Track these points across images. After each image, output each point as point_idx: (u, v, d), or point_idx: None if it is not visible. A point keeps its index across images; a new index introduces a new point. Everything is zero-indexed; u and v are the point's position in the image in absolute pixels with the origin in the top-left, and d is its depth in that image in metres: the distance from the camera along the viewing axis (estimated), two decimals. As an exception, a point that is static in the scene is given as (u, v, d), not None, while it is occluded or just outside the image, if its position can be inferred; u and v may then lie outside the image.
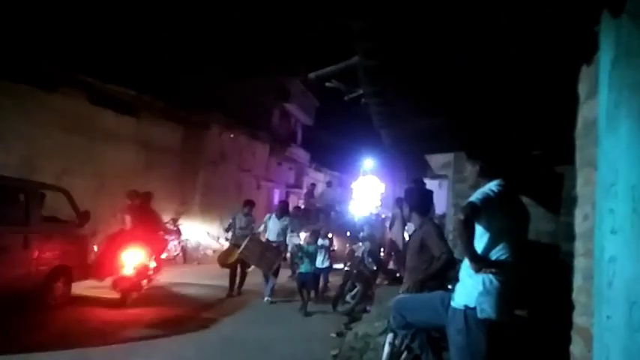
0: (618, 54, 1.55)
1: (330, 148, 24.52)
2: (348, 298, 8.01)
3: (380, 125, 4.31)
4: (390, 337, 4.50)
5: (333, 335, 6.56)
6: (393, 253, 9.20)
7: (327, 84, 3.71)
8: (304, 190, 19.95)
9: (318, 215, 13.21)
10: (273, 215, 9.26)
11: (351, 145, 22.39)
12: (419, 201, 4.77)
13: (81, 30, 11.27)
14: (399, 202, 9.36)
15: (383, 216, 15.89)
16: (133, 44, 12.94)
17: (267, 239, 8.97)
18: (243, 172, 17.51)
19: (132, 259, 7.45)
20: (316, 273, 8.36)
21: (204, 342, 5.88)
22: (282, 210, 9.42)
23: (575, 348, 2.08)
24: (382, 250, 9.58)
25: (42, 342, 5.18)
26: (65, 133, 10.78)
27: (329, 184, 20.43)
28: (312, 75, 3.56)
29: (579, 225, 2.15)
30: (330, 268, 9.06)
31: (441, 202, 9.61)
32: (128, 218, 8.03)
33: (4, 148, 9.65)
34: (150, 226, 8.30)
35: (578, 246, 2.12)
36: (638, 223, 1.35)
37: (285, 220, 9.14)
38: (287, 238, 9.15)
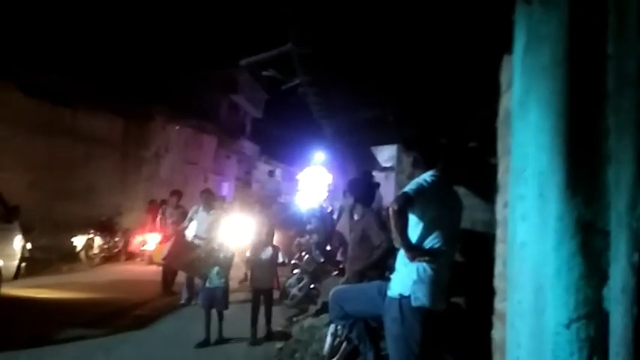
0: (529, 40, 1.57)
1: (281, 141, 24.36)
2: (295, 290, 7.97)
3: (319, 115, 4.28)
4: (332, 328, 4.52)
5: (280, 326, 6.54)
6: (340, 245, 9.25)
7: (263, 73, 3.63)
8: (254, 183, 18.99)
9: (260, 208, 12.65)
10: (201, 207, 7.80)
11: (302, 137, 22.25)
12: (362, 192, 4.80)
13: (14, 18, 10.54)
14: (346, 193, 9.40)
15: (330, 208, 15.65)
16: (71, 32, 12.26)
17: (195, 235, 7.54)
18: (189, 165, 17.07)
19: None
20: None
21: (141, 340, 5.71)
22: (208, 200, 7.88)
23: (496, 333, 2.13)
24: (329, 242, 9.58)
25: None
26: (-5, 125, 10.11)
27: (271, 173, 19.37)
28: (243, 62, 3.46)
29: (499, 212, 2.19)
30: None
31: (388, 194, 9.75)
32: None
33: None
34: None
35: (499, 233, 2.17)
36: (544, 208, 1.36)
37: (214, 214, 7.74)
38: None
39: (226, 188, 19.57)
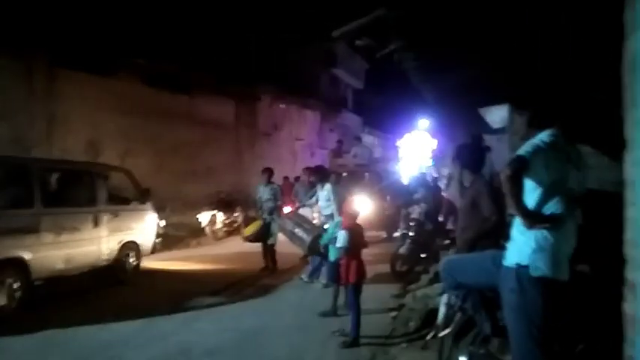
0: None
1: (383, 110, 23.99)
2: (404, 260, 7.92)
3: (419, 80, 4.12)
4: (445, 297, 4.42)
5: (393, 296, 6.57)
6: (450, 214, 8.96)
7: (357, 42, 3.56)
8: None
9: (351, 177, 11.68)
10: (318, 185, 7.69)
11: (404, 105, 21.57)
12: (470, 158, 4.58)
13: (127, 15, 11.54)
14: (454, 160, 9.01)
15: (435, 175, 14.89)
16: (179, 23, 13.12)
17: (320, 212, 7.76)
18: (296, 141, 17.63)
19: None
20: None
21: (265, 307, 6.14)
22: (323, 175, 7.79)
23: (628, 305, 1.91)
24: (439, 211, 9.31)
25: (115, 312, 5.59)
26: (124, 115, 11.31)
27: (358, 139, 16.35)
28: (336, 32, 3.42)
29: (628, 171, 1.94)
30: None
31: (500, 158, 9.18)
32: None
33: (71, 133, 10.30)
34: None
35: (628, 194, 1.92)
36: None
37: (327, 189, 7.48)
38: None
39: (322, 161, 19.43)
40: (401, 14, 2.76)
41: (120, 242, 7.21)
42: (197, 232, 12.05)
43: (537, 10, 2.68)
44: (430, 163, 19.82)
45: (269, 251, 8.29)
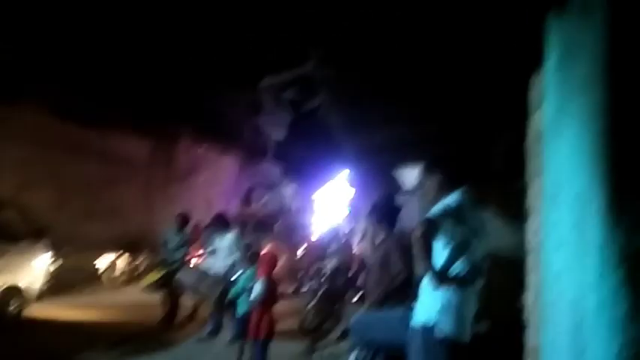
0: (564, 51, 1.46)
1: (304, 162, 24.33)
2: (314, 315, 7.78)
3: (341, 137, 4.22)
4: (353, 355, 4.36)
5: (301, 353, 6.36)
6: (361, 270, 9.05)
7: (284, 95, 3.60)
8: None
9: (259, 227, 11.19)
10: (218, 232, 7.47)
11: (325, 158, 22.09)
12: (383, 216, 4.73)
13: (45, 42, 10.91)
14: (369, 216, 9.25)
15: (348, 229, 15.02)
16: (100, 55, 12.61)
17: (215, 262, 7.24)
18: (213, 187, 17.20)
19: None
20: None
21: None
22: (225, 223, 7.53)
23: (528, 370, 1.97)
24: (350, 266, 9.39)
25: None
26: (23, 146, 10.39)
27: (271, 186, 15.60)
28: (263, 83, 3.44)
29: (531, 238, 2.05)
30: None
31: (411, 217, 9.56)
32: None
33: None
34: None
35: (530, 261, 2.02)
36: (583, 236, 1.23)
37: (232, 236, 7.26)
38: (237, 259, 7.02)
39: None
40: (326, 73, 2.83)
41: (1, 287, 6.39)
42: (95, 276, 11.06)
43: (453, 83, 2.88)
44: (345, 216, 20.05)
45: (171, 303, 7.57)
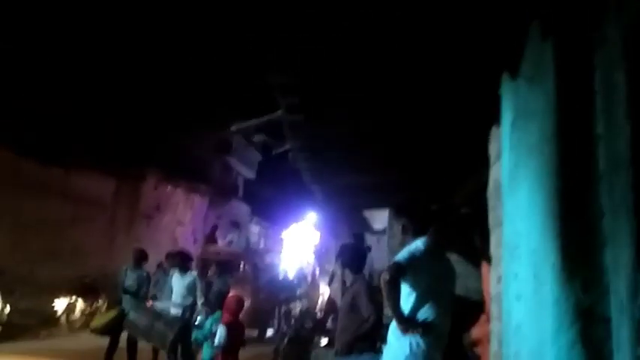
0: (517, 115, 1.56)
1: (273, 202, 24.25)
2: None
3: (310, 180, 4.27)
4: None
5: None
6: (331, 312, 8.96)
7: (254, 139, 3.65)
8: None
9: (223, 266, 10.17)
10: (177, 270, 6.96)
11: (294, 199, 22.11)
12: (351, 258, 4.70)
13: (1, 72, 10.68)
14: (337, 258, 9.22)
15: (317, 271, 14.69)
16: (63, 91, 12.42)
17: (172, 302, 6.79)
18: (180, 226, 16.85)
19: None
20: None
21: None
22: (184, 261, 7.09)
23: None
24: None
25: None
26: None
27: (235, 224, 15.02)
28: (234, 127, 3.48)
29: (494, 287, 2.11)
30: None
31: (380, 258, 9.60)
32: None
33: None
34: None
35: (494, 309, 2.07)
36: (540, 290, 1.29)
37: (192, 276, 6.86)
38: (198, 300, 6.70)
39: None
40: (296, 119, 2.89)
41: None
42: (50, 320, 10.51)
43: (417, 134, 2.99)
44: (311, 259, 19.77)
45: (129, 348, 6.98)
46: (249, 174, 23.98)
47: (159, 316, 6.48)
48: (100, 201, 13.66)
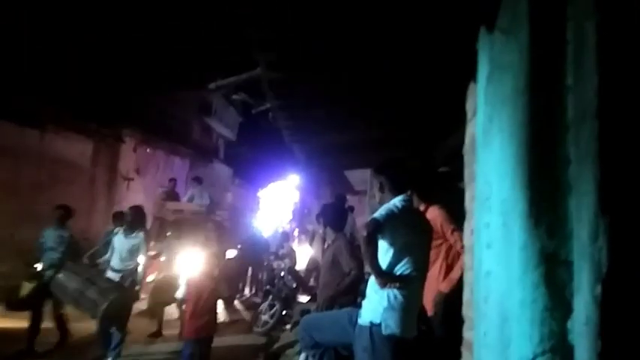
0: (492, 69, 1.58)
1: (255, 163, 24.21)
2: (266, 317, 7.80)
3: (291, 139, 4.26)
4: (302, 357, 4.41)
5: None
6: (313, 270, 9.15)
7: (233, 96, 3.60)
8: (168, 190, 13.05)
9: (183, 226, 9.25)
10: (121, 230, 6.22)
11: (276, 160, 22.05)
12: (333, 217, 4.80)
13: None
14: (319, 218, 9.33)
15: (295, 231, 14.60)
16: (41, 52, 11.99)
17: (111, 265, 6.04)
18: (160, 189, 16.75)
19: None
20: None
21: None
22: (137, 220, 6.19)
23: (465, 363, 2.09)
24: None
25: None
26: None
27: (197, 180, 12.83)
28: (212, 85, 3.42)
29: (467, 239, 2.18)
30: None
31: (361, 218, 9.77)
32: None
33: None
34: None
35: (467, 260, 2.15)
36: (509, 237, 1.34)
37: (138, 237, 6.01)
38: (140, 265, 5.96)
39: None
40: (276, 77, 2.86)
41: None
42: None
43: (397, 90, 2.99)
44: (290, 218, 19.71)
45: (57, 320, 6.15)
46: (230, 136, 23.79)
47: (91, 280, 5.49)
48: (78, 163, 13.45)
